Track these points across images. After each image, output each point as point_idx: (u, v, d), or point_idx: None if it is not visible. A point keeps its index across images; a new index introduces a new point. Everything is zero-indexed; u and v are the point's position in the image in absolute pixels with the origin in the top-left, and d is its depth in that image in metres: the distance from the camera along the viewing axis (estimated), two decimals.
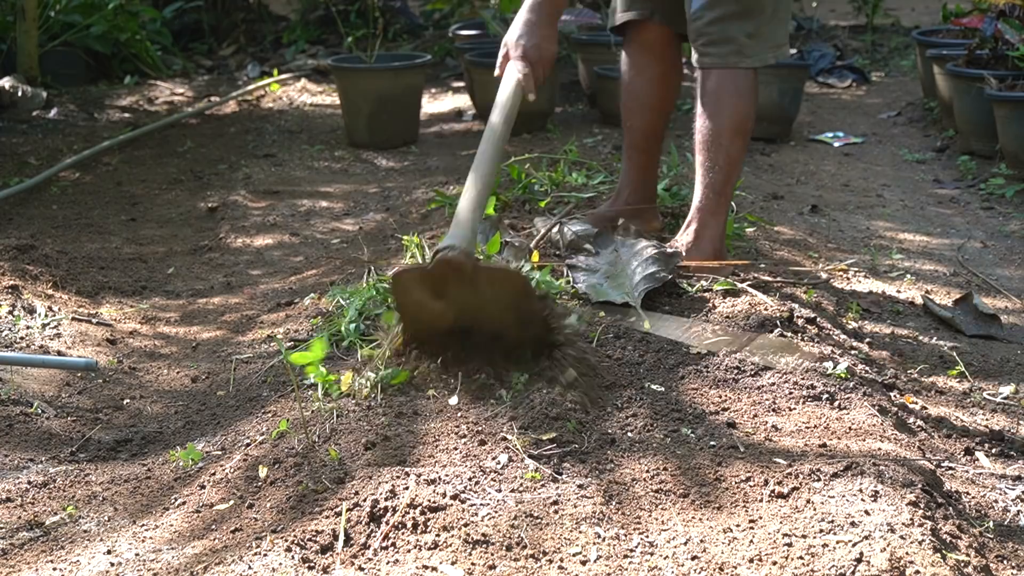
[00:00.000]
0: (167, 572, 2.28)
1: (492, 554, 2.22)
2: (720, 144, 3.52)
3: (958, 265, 4.35)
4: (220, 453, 2.80)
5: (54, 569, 2.34)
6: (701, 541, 2.28)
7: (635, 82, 3.84)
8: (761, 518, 2.34)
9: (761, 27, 3.53)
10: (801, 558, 2.17)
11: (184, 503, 2.60)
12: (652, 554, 2.25)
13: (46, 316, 3.66)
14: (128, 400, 3.26)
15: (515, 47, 3.40)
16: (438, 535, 2.27)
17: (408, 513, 2.33)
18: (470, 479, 2.44)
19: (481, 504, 2.36)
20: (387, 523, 2.32)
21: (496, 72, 3.45)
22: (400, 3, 8.69)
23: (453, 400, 2.81)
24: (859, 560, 2.12)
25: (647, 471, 2.52)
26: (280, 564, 2.22)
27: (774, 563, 2.17)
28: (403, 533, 2.28)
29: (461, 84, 7.22)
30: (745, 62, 3.53)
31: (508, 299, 2.93)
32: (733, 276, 3.48)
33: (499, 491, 2.41)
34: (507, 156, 4.04)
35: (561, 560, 2.23)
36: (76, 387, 3.32)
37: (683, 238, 3.60)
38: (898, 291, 4.06)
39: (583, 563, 2.22)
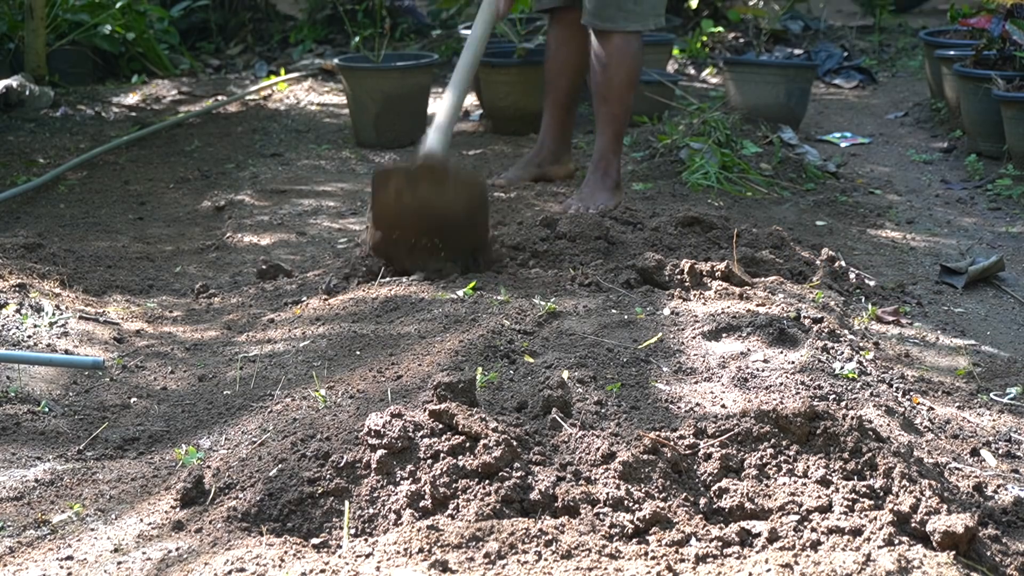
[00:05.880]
0: (174, 564, 2.28)
1: None
2: (621, 97, 4.50)
3: None
4: (227, 452, 2.80)
5: (60, 567, 2.34)
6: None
7: (562, 52, 4.79)
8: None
9: None
10: (809, 556, 2.17)
11: None
12: None
13: (53, 315, 3.66)
14: (135, 399, 3.26)
15: None
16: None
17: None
18: None
19: None
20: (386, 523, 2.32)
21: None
22: (407, 3, 8.68)
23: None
24: (867, 560, 2.12)
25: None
26: (285, 552, 2.23)
27: (783, 565, 2.17)
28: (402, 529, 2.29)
29: None
30: (632, 25, 4.43)
31: (467, 204, 3.69)
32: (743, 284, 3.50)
33: None
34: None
35: None
36: (83, 385, 3.33)
37: (591, 178, 4.54)
38: (905, 291, 4.06)
39: None
